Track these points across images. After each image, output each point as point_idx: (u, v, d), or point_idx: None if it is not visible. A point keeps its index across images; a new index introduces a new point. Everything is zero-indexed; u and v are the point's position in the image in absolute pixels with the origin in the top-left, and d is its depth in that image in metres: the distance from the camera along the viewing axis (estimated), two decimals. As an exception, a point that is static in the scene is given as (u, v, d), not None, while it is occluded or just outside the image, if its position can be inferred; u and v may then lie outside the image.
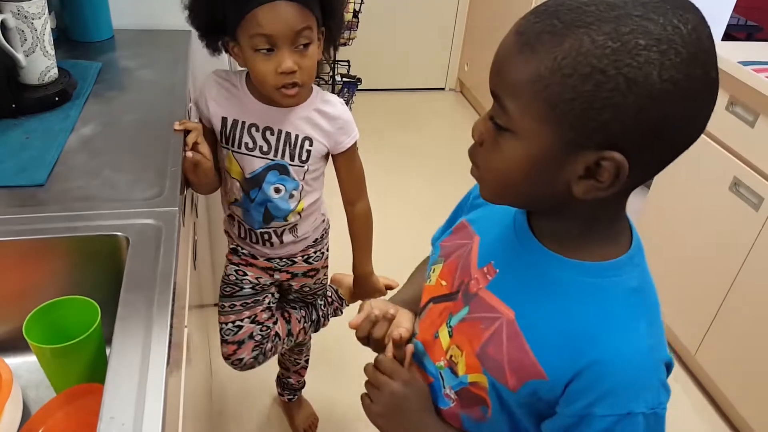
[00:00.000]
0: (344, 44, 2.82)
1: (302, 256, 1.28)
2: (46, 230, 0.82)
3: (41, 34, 1.05)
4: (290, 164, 1.12)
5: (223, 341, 1.31)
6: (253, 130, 1.09)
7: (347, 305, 1.48)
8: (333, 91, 2.87)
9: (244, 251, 1.26)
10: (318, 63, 1.05)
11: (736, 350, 1.62)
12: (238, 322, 1.29)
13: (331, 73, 2.86)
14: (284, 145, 1.10)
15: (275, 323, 1.34)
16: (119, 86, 1.22)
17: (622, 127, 0.47)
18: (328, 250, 1.34)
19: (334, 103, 1.12)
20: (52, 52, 1.10)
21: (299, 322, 1.39)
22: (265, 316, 1.31)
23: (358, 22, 2.76)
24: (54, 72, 1.11)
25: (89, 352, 0.77)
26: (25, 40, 1.03)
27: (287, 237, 1.22)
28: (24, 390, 0.83)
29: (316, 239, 1.28)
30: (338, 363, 1.84)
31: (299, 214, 1.19)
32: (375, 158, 2.93)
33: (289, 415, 1.65)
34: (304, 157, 1.12)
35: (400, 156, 3.00)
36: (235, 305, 1.29)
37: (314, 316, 1.43)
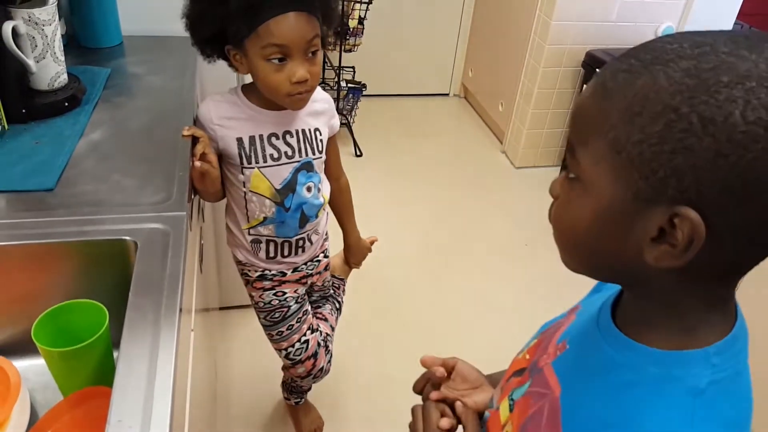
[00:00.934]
0: (349, 50, 2.84)
1: (322, 253, 1.32)
2: (55, 234, 0.82)
3: (51, 41, 1.06)
4: (313, 158, 1.15)
5: (297, 362, 1.33)
6: (274, 139, 1.10)
7: (346, 281, 1.55)
8: (338, 97, 2.88)
9: (272, 273, 1.26)
10: None
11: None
12: (303, 339, 1.31)
13: (336, 79, 2.88)
14: (304, 143, 1.13)
15: (319, 326, 1.39)
16: (128, 92, 1.23)
17: (696, 177, 0.40)
18: None
19: (318, 89, 1.16)
20: (62, 58, 1.11)
21: (332, 314, 1.45)
22: (315, 322, 1.36)
23: (363, 28, 2.77)
24: (64, 78, 1.12)
25: (97, 356, 0.78)
26: (36, 46, 1.04)
27: (314, 237, 1.25)
28: (31, 393, 0.83)
29: (326, 232, 1.32)
30: (343, 367, 1.84)
31: (323, 208, 1.23)
32: (379, 163, 2.94)
33: (296, 419, 1.65)
34: (320, 148, 1.16)
35: (404, 161, 3.00)
36: (292, 326, 1.30)
37: (337, 305, 1.49)
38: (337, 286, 1.51)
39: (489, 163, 3.07)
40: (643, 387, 0.49)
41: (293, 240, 1.21)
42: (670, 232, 0.43)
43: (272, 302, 1.28)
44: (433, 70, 3.67)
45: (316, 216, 1.20)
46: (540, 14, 2.68)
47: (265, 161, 1.10)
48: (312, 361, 1.33)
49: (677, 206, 0.42)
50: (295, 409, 1.65)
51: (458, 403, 0.71)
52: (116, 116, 1.12)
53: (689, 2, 2.64)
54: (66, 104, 1.10)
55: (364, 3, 2.68)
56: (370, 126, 3.21)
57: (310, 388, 1.63)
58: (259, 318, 1.32)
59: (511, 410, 0.62)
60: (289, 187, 1.13)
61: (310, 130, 1.14)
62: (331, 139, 1.23)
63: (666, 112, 0.41)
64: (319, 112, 1.16)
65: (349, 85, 2.92)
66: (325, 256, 1.33)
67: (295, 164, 1.13)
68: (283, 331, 1.30)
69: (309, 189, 1.16)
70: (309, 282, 1.32)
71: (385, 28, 3.30)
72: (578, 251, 0.52)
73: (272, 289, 1.27)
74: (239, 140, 1.09)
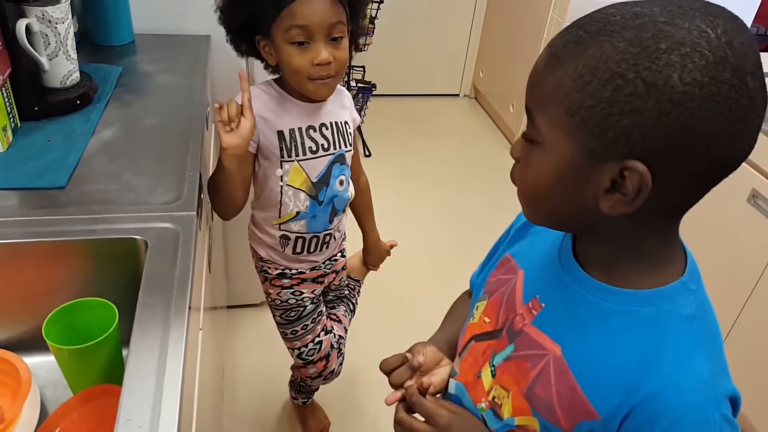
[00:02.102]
0: (360, 50, 2.83)
1: (339, 252, 1.32)
2: (66, 232, 0.83)
3: (64, 38, 1.07)
4: (345, 151, 1.16)
5: (309, 363, 1.34)
6: (312, 131, 1.11)
7: (362, 283, 1.55)
8: (348, 97, 2.88)
9: (293, 272, 1.26)
10: None
11: (752, 368, 1.60)
12: (317, 339, 1.32)
13: (346, 78, 2.87)
14: (338, 135, 1.14)
15: (333, 327, 1.39)
16: (139, 90, 1.23)
17: (643, 135, 0.45)
18: None
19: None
20: (75, 56, 1.11)
21: (346, 316, 1.45)
22: (329, 323, 1.37)
23: (374, 28, 2.77)
24: (76, 76, 1.12)
25: (107, 354, 0.78)
26: (49, 44, 1.05)
27: (337, 234, 1.26)
28: (42, 390, 0.84)
29: (344, 232, 1.33)
30: (350, 367, 1.84)
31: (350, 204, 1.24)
32: (388, 163, 2.94)
33: (302, 419, 1.66)
34: (350, 141, 1.17)
35: (413, 161, 3.00)
36: (307, 326, 1.31)
37: (351, 306, 1.49)
38: (352, 287, 1.50)
39: (499, 165, 3.06)
40: (643, 327, 0.54)
41: (321, 235, 1.21)
42: (621, 183, 0.48)
43: (289, 300, 1.28)
44: (443, 70, 3.66)
45: (344, 210, 1.22)
46: (553, 15, 2.66)
47: (305, 154, 1.11)
48: (324, 362, 1.34)
49: (626, 160, 0.47)
50: (302, 409, 1.65)
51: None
52: (127, 114, 1.13)
53: (703, 4, 2.62)
54: (78, 102, 1.10)
55: (375, 2, 2.67)
56: (379, 126, 3.20)
57: (317, 389, 1.63)
58: (274, 315, 1.32)
59: (493, 375, 0.65)
60: (324, 180, 1.14)
61: (342, 122, 1.15)
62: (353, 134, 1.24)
63: (614, 79, 0.45)
64: (346, 106, 1.18)
65: (359, 84, 2.92)
66: (342, 256, 1.34)
67: (330, 157, 1.14)
68: (297, 330, 1.30)
69: (341, 182, 1.17)
70: (326, 281, 1.32)
71: (396, 27, 3.30)
72: (540, 206, 0.57)
73: (290, 287, 1.27)
74: (280, 133, 1.09)
